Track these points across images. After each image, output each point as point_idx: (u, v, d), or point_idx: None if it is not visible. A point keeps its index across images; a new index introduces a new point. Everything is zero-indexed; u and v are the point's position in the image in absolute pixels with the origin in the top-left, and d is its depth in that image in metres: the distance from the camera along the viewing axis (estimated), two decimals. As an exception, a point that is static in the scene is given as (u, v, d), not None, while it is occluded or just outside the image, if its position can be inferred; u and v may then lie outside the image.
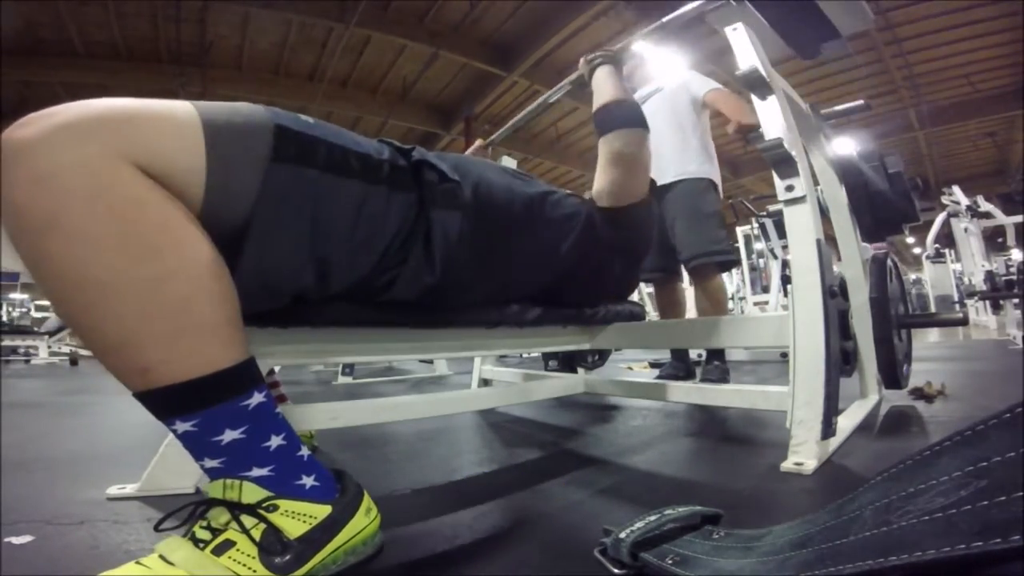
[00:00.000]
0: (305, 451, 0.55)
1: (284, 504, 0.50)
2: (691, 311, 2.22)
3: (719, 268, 1.96)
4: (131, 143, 0.44)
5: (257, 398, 0.50)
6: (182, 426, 0.47)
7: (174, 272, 0.44)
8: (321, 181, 0.57)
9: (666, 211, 1.98)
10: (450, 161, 0.76)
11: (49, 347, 6.62)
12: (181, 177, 0.47)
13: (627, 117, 1.01)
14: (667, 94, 2.02)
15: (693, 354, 2.39)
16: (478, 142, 1.83)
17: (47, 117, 0.42)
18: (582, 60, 1.18)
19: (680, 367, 2.02)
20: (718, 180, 2.02)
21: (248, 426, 0.49)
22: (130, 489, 0.82)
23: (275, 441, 0.51)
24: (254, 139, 0.52)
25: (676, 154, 1.97)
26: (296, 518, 0.51)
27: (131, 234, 0.43)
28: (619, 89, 1.05)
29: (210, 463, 0.49)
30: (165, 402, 0.46)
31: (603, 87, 1.06)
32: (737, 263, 2.20)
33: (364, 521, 0.56)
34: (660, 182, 1.95)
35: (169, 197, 0.46)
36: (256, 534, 0.48)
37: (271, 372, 1.09)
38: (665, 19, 1.12)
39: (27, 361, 6.63)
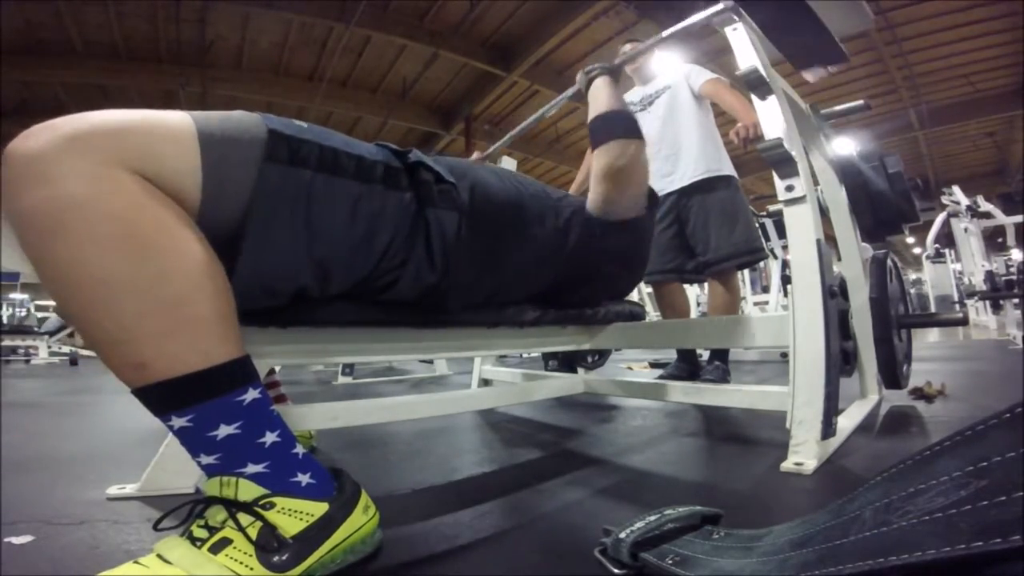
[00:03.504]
0: (300, 449, 0.55)
1: (280, 502, 0.51)
2: (695, 309, 2.19)
3: (739, 266, 1.94)
4: (128, 151, 0.46)
5: (252, 394, 0.50)
6: (178, 421, 0.48)
7: (171, 271, 0.46)
8: (314, 181, 0.58)
9: (689, 212, 1.92)
10: (446, 164, 0.77)
11: (49, 347, 6.61)
12: (177, 181, 0.49)
13: (620, 127, 0.96)
14: (674, 91, 2.01)
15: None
16: (476, 154, 1.83)
17: (50, 129, 0.45)
18: (579, 73, 1.15)
19: (685, 368, 1.98)
20: (736, 175, 1.97)
21: (243, 421, 0.50)
22: (130, 489, 0.82)
23: (270, 438, 0.52)
24: (247, 142, 0.54)
25: (692, 151, 1.92)
26: (293, 516, 0.51)
27: (130, 236, 0.45)
28: (614, 100, 1.02)
29: (206, 459, 0.50)
30: (161, 397, 0.47)
31: (598, 98, 1.03)
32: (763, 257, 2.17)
33: (362, 519, 0.56)
34: (677, 184, 1.94)
35: (166, 200, 0.48)
36: (252, 532, 0.48)
37: (271, 372, 1.09)
38: (666, 32, 1.11)
39: (27, 361, 6.63)
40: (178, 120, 0.51)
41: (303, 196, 0.57)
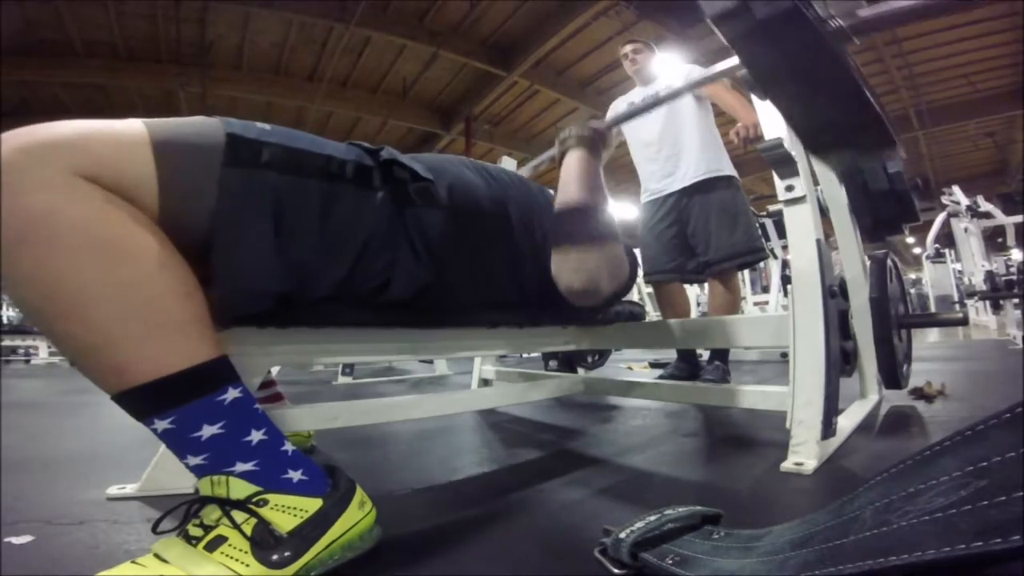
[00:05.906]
0: (289, 446, 0.55)
1: (273, 498, 0.51)
2: (695, 309, 2.19)
3: (739, 266, 1.95)
4: (82, 160, 0.46)
5: (232, 393, 0.51)
6: (161, 424, 0.48)
7: (139, 276, 0.46)
8: (280, 183, 0.57)
9: (690, 212, 1.93)
10: (425, 161, 0.75)
11: (49, 347, 6.60)
12: (135, 189, 0.49)
13: (582, 232, 0.79)
14: None
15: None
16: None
17: (3, 142, 0.45)
18: (557, 137, 0.92)
19: (684, 368, 1.98)
20: (736, 175, 1.98)
21: (226, 421, 0.50)
22: (130, 489, 0.82)
23: (256, 436, 0.52)
24: (205, 148, 0.54)
25: (693, 152, 1.93)
26: (287, 512, 0.51)
27: (95, 243, 0.45)
28: (584, 186, 0.82)
29: (193, 460, 0.50)
30: (141, 401, 0.48)
31: (567, 179, 0.84)
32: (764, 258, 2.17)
33: (358, 515, 0.57)
34: (678, 184, 1.95)
35: (126, 206, 0.48)
36: (247, 529, 0.49)
37: (267, 372, 1.09)
38: (699, 78, 1.00)
39: (27, 361, 6.62)
40: (131, 128, 0.51)
41: (268, 199, 0.56)
